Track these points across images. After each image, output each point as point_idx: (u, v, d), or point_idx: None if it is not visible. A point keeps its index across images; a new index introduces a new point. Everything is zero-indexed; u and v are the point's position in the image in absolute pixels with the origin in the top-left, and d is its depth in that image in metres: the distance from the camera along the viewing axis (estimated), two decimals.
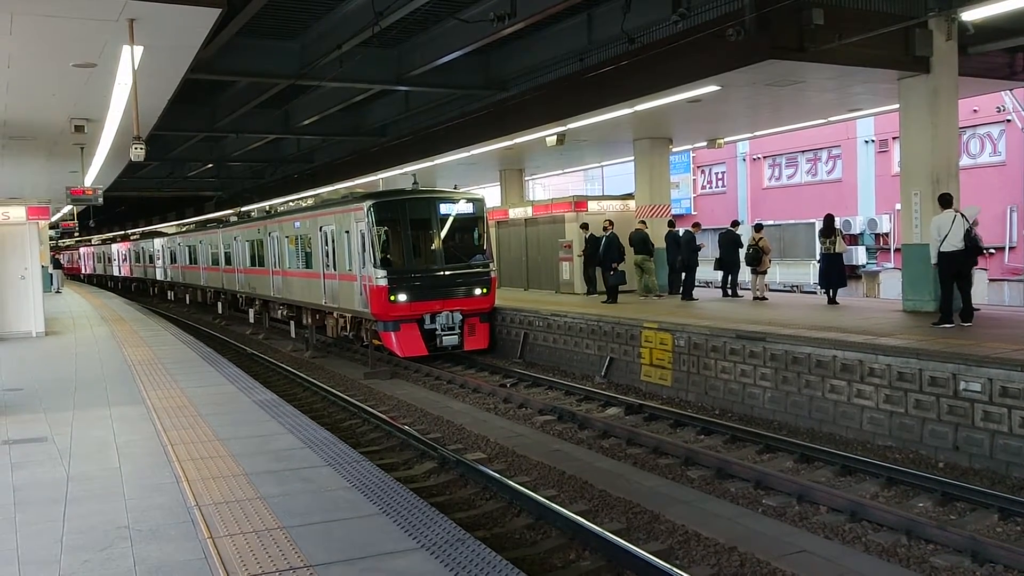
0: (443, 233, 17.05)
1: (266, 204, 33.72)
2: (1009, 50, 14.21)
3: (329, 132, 25.77)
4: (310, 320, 20.70)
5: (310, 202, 22.72)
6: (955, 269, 11.51)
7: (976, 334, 10.72)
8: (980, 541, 6.58)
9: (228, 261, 28.09)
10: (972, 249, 11.68)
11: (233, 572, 4.35)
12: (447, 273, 16.69)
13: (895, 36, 12.41)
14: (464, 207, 17.37)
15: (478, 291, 16.91)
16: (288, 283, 21.89)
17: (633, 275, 18.58)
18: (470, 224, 17.52)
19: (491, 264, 17.45)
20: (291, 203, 26.16)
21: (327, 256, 18.70)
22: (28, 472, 6.49)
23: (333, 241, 18.27)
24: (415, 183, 18.51)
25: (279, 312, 23.45)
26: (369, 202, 16.60)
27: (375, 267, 16.16)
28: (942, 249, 11.35)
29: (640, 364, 13.80)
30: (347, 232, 17.42)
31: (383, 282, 16.05)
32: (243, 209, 35.96)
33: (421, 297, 16.29)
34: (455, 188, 18.92)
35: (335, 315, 18.92)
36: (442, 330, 16.42)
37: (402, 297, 16.10)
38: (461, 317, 16.63)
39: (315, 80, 17.71)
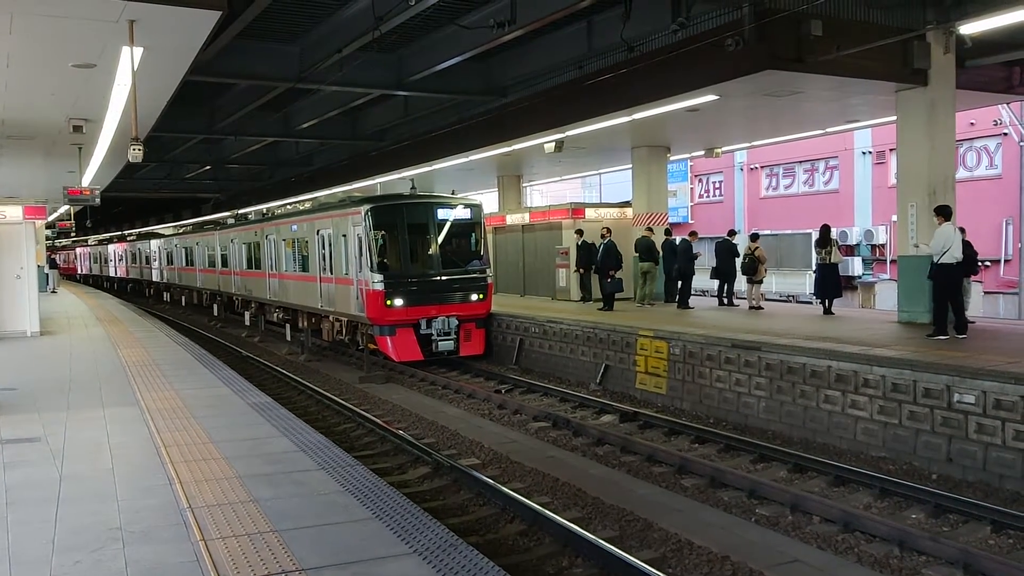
0: (440, 238, 17.04)
1: (263, 207, 33.69)
2: (1006, 64, 14.27)
3: (328, 136, 25.78)
4: (306, 323, 20.67)
5: (307, 205, 22.69)
6: (953, 281, 11.54)
7: (970, 346, 10.75)
8: (972, 553, 6.59)
9: (224, 263, 28.05)
10: (967, 261, 11.71)
11: (225, 575, 4.34)
12: (444, 278, 16.67)
13: (893, 48, 12.46)
14: (461, 212, 17.37)
15: (474, 296, 16.89)
16: (284, 286, 21.85)
17: (635, 282, 18.54)
18: (467, 229, 17.51)
19: (488, 270, 17.44)
20: (288, 206, 26.14)
21: (324, 260, 18.68)
22: (21, 472, 6.47)
23: (330, 245, 18.25)
24: (413, 188, 18.51)
25: (275, 315, 23.41)
26: (367, 206, 16.58)
27: (372, 271, 16.14)
28: (943, 261, 11.36)
29: (635, 372, 13.81)
30: (344, 236, 17.40)
31: (379, 286, 16.03)
32: (240, 211, 35.93)
33: (417, 302, 16.27)
34: (453, 193, 18.90)
35: (331, 319, 18.89)
36: (438, 335, 16.39)
37: (398, 301, 16.08)
38: (457, 322, 16.61)
39: (315, 84, 17.73)
